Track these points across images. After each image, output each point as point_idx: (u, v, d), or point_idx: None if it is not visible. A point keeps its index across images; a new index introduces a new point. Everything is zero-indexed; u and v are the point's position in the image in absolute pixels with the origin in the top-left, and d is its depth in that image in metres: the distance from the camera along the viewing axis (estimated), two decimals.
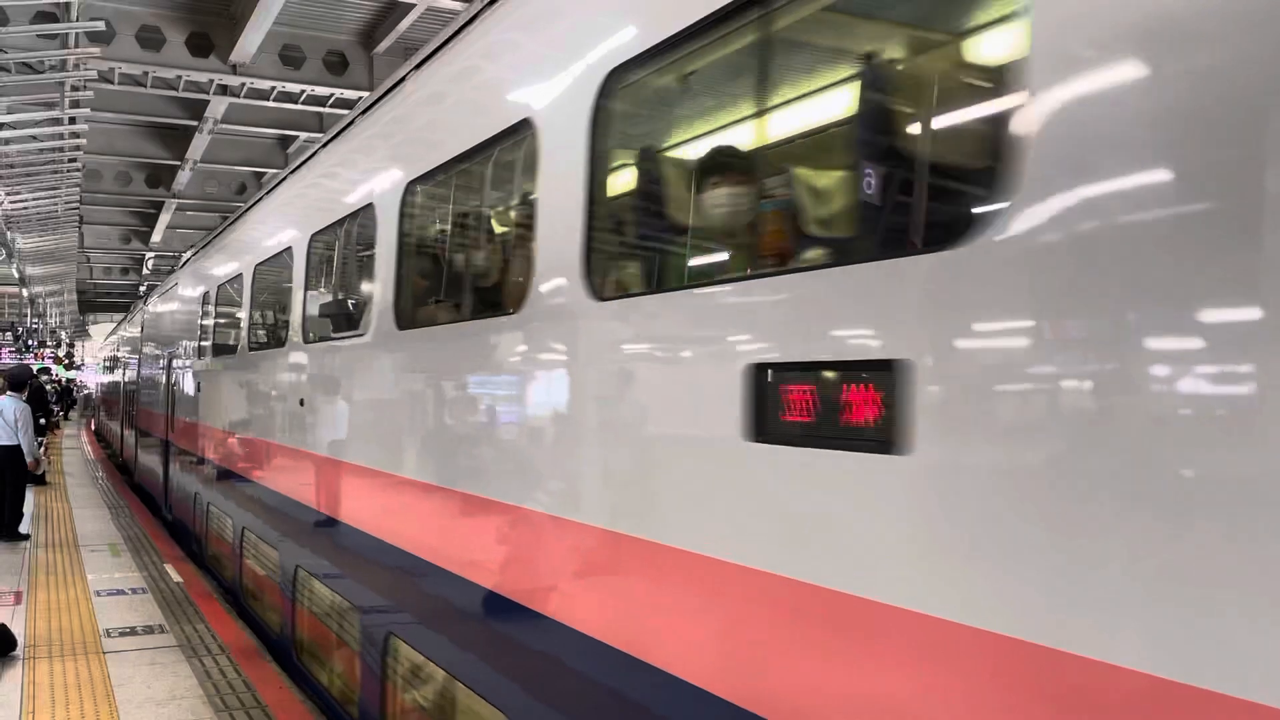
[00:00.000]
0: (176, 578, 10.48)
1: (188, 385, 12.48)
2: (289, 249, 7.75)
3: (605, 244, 3.57)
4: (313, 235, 7.23)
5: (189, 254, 14.06)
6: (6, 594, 9.14)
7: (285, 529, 7.59)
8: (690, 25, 2.96)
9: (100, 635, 8.19)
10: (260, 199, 9.94)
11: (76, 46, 13.22)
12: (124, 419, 23.88)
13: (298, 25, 17.29)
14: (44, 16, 13.84)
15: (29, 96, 14.81)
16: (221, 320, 10.97)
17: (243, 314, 9.57)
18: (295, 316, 7.36)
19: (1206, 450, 1.74)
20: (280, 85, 18.18)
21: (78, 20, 12.80)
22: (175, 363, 13.98)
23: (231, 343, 10.41)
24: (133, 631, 8.35)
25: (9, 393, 13.31)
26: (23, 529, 12.94)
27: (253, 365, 9.10)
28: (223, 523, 10.18)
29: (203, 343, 11.81)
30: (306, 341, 7.14)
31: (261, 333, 9.21)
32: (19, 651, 7.57)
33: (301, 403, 7.16)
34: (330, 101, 18.80)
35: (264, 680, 7.05)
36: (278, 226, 8.65)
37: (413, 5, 15.62)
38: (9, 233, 22.52)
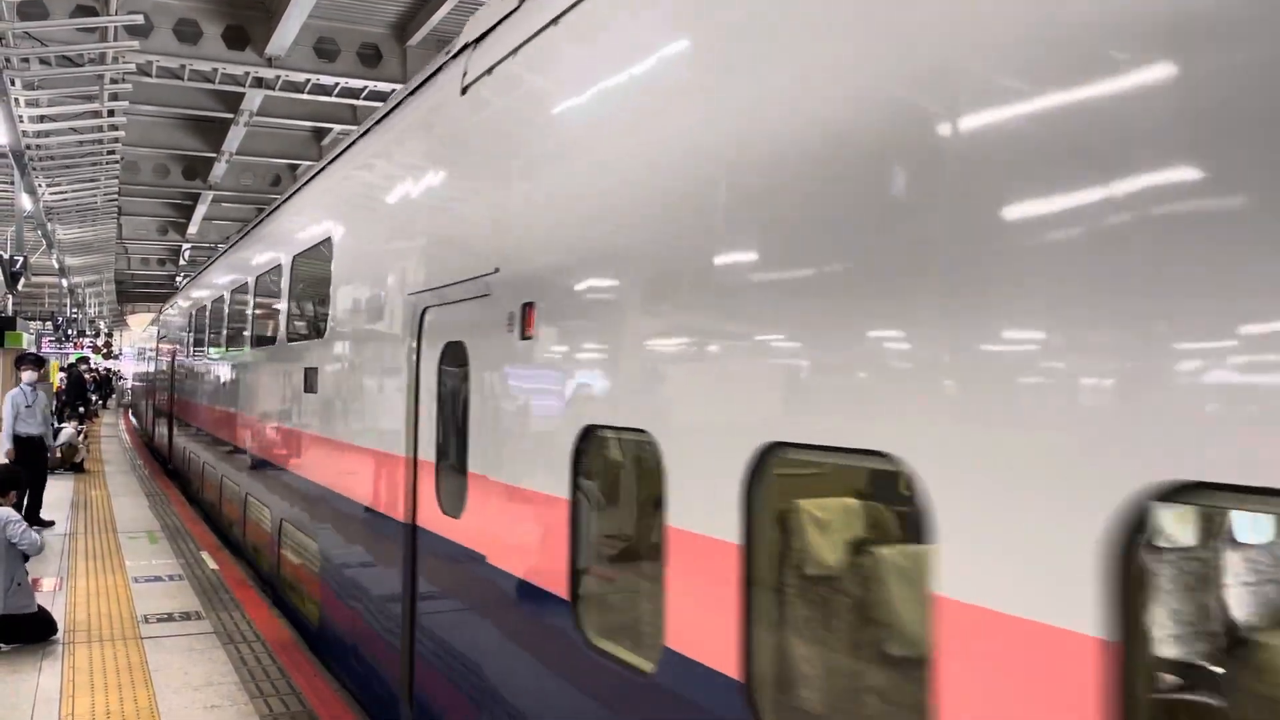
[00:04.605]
0: (212, 565, 10.61)
1: None
2: None
3: None
4: None
5: None
6: (47, 579, 9.30)
7: None
8: None
9: (138, 621, 8.31)
10: None
11: (115, 40, 13.37)
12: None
13: (332, 18, 17.40)
14: (83, 10, 14.04)
15: (69, 89, 15.01)
16: None
17: None
18: None
19: None
20: (315, 78, 18.32)
21: (117, 14, 12.96)
22: None
23: None
24: (170, 618, 8.46)
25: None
26: (45, 516, 12.97)
27: None
28: None
29: None
30: None
31: None
32: (59, 636, 7.70)
33: None
34: (364, 94, 18.91)
35: (297, 666, 7.12)
36: None
37: None
38: (49, 224, 22.85)
